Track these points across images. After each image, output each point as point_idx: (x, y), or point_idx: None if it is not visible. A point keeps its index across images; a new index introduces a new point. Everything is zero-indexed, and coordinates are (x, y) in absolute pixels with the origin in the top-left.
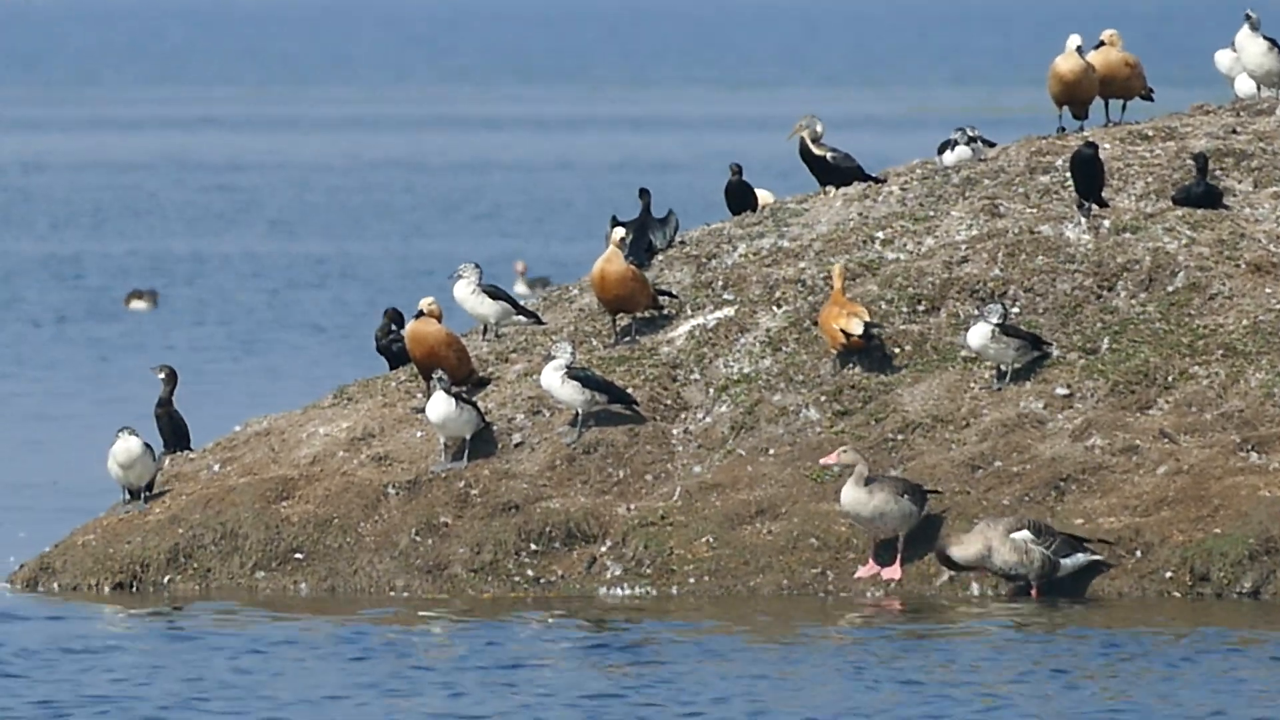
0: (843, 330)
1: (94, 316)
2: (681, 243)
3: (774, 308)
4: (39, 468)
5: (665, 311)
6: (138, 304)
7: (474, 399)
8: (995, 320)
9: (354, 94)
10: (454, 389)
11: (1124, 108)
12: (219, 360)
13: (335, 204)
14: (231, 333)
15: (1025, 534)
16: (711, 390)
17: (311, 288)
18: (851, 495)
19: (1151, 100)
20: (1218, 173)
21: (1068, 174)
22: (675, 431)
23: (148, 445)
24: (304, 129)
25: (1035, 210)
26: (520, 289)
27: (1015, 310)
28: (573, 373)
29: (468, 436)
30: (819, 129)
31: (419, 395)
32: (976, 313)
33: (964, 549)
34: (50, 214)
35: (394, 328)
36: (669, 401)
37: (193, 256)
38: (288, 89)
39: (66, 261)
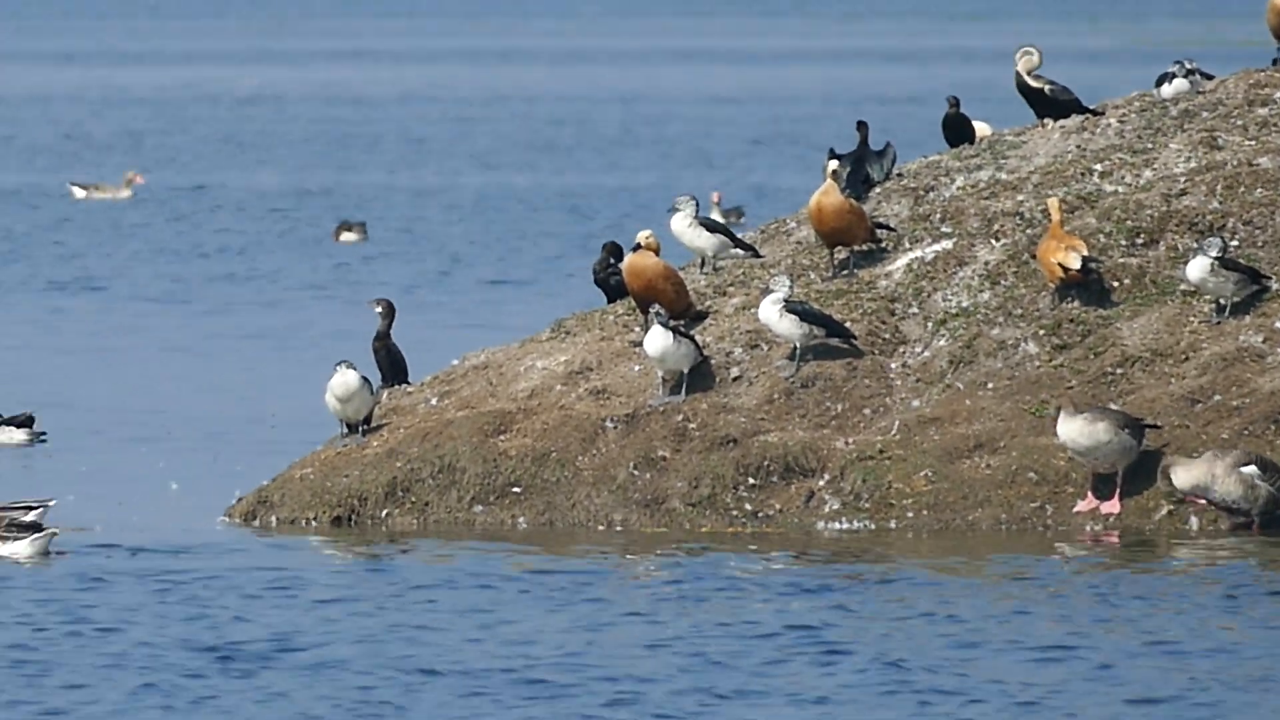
0: (1061, 264)
1: (305, 249)
2: (899, 175)
3: (992, 241)
4: (256, 402)
5: (883, 244)
6: (348, 236)
7: (691, 332)
8: (1214, 254)
9: (572, 27)
10: (671, 323)
11: None
12: (432, 293)
13: (549, 138)
14: (443, 265)
15: (1253, 469)
16: (929, 324)
17: (526, 221)
18: (1071, 426)
19: None
20: None
21: None
22: (893, 365)
23: (365, 379)
24: (518, 62)
25: (1254, 143)
26: (714, 219)
27: (1234, 244)
28: (790, 306)
29: (685, 370)
30: (1035, 60)
31: (637, 329)
32: (1195, 246)
33: (1187, 474)
34: (264, 147)
35: (612, 261)
36: (887, 335)
37: (399, 189)
38: (504, 21)
39: (278, 194)
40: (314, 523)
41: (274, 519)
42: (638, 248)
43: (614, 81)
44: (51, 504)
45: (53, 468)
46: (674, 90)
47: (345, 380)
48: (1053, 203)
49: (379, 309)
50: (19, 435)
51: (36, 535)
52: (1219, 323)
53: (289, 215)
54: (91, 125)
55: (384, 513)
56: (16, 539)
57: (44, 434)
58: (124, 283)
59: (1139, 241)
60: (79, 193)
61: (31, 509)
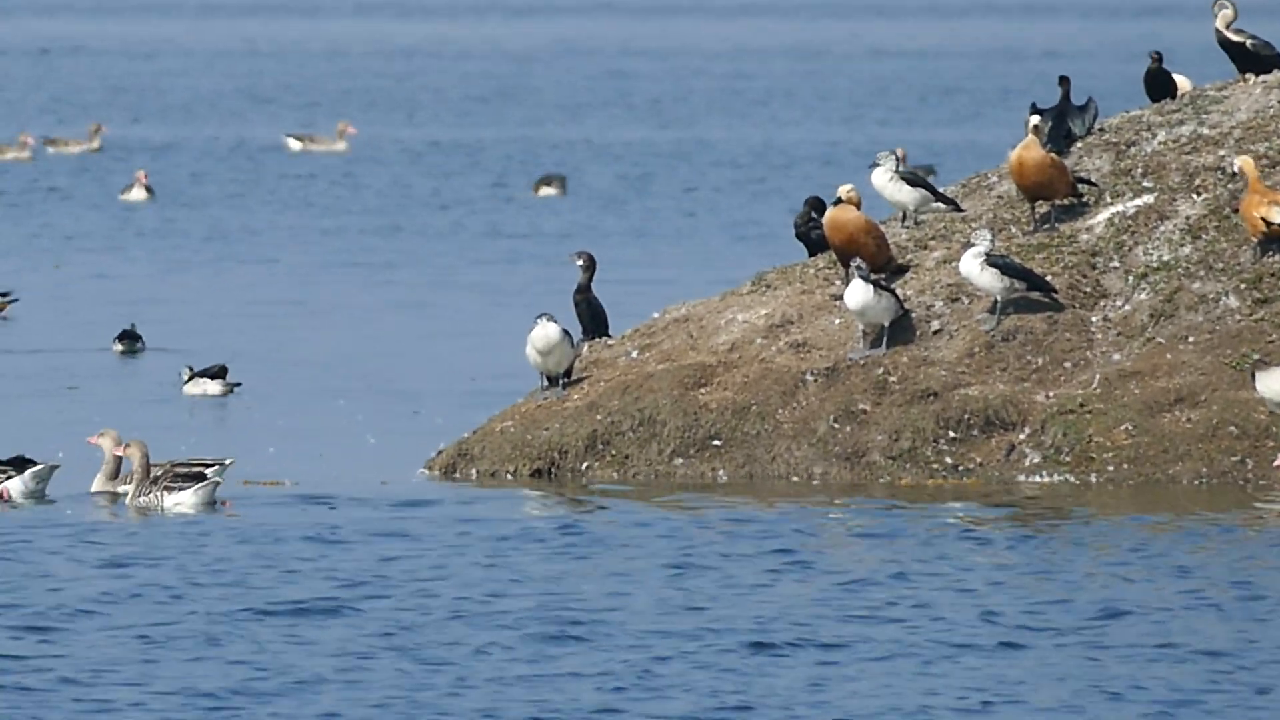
0: (1264, 218)
1: (504, 203)
2: (1100, 130)
3: (1194, 195)
4: (456, 355)
5: (1084, 199)
6: (547, 190)
7: (892, 286)
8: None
9: None
10: (873, 276)
11: None
12: (631, 247)
13: (736, 91)
14: (641, 219)
15: None
16: (1130, 278)
17: (723, 175)
18: (1270, 381)
19: None
20: None
21: None
22: (1094, 319)
23: (566, 331)
24: (696, 16)
25: None
26: (915, 173)
27: None
28: (992, 260)
29: (886, 324)
30: (1231, 14)
31: (837, 282)
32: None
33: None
34: (449, 101)
35: (814, 215)
36: (1088, 289)
37: (594, 144)
38: None
39: (471, 149)
40: (514, 475)
41: (474, 472)
42: (839, 202)
43: (788, 36)
44: (229, 463)
45: (252, 420)
46: (853, 43)
47: (546, 333)
48: (1245, 161)
49: (580, 262)
50: (214, 387)
51: (200, 485)
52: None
53: (487, 169)
54: (283, 78)
55: (584, 466)
56: (181, 489)
57: (238, 384)
58: (334, 236)
59: None
60: (295, 145)
61: (209, 466)
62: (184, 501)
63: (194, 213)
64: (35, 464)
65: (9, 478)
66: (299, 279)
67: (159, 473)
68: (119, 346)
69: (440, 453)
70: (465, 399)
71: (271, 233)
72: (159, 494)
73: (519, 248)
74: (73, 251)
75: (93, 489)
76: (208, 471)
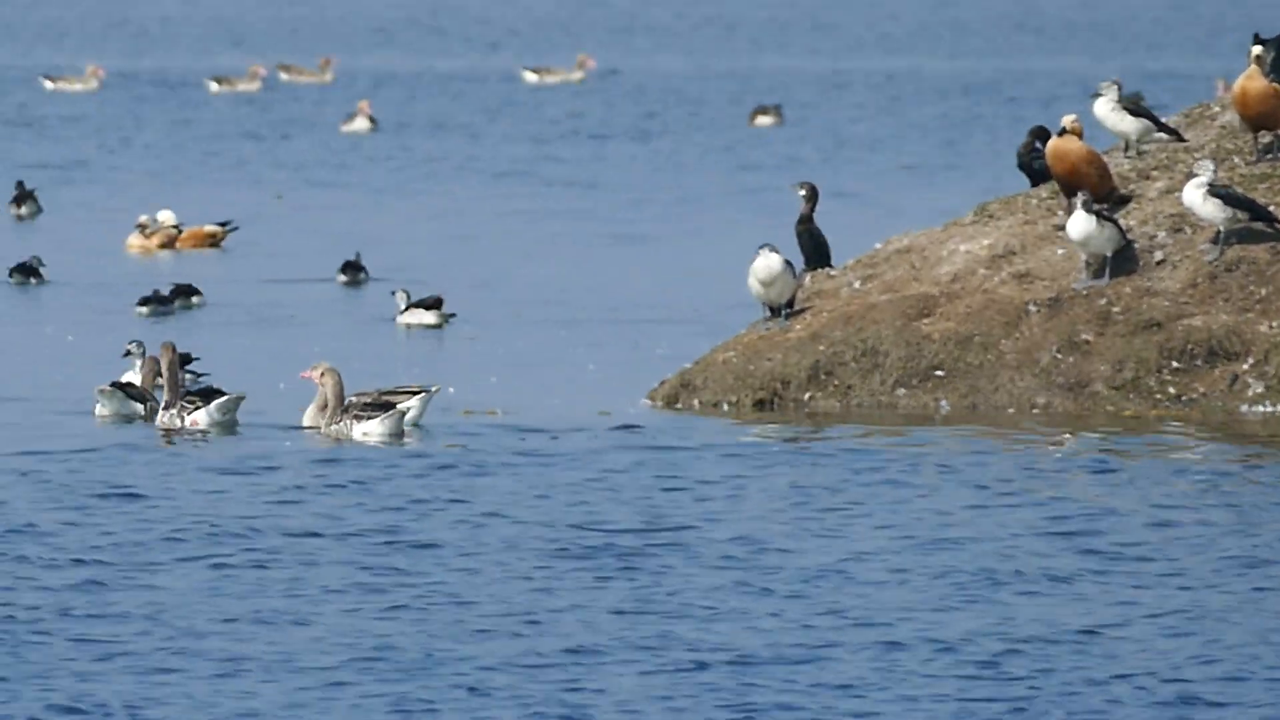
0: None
1: (719, 133)
2: None
3: None
4: (676, 285)
5: None
6: (763, 120)
7: (1115, 216)
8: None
9: None
10: (1095, 206)
11: None
12: (850, 176)
13: (950, 21)
14: (860, 149)
15: None
16: None
17: (944, 105)
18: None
19: None
20: None
21: None
22: None
23: (788, 262)
24: None
25: None
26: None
27: None
28: (1215, 190)
29: (1109, 254)
30: None
31: (1060, 213)
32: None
33: None
34: (663, 31)
35: (1037, 145)
36: None
37: (808, 73)
38: None
39: (684, 78)
40: (736, 406)
41: (696, 402)
42: (1063, 132)
43: None
44: (435, 390)
45: (471, 350)
46: None
47: (768, 263)
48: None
49: (802, 192)
50: (429, 317)
51: (387, 415)
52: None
53: (700, 100)
54: (525, 10)
55: (806, 396)
56: (369, 418)
57: (453, 315)
58: (557, 167)
59: None
60: (531, 77)
61: (414, 394)
62: (371, 431)
63: (417, 143)
64: (223, 395)
65: (197, 408)
66: (519, 210)
67: (353, 401)
68: (343, 277)
69: (663, 383)
70: (687, 330)
71: (493, 163)
72: (349, 422)
73: (737, 177)
74: (296, 182)
75: (304, 421)
76: (403, 402)
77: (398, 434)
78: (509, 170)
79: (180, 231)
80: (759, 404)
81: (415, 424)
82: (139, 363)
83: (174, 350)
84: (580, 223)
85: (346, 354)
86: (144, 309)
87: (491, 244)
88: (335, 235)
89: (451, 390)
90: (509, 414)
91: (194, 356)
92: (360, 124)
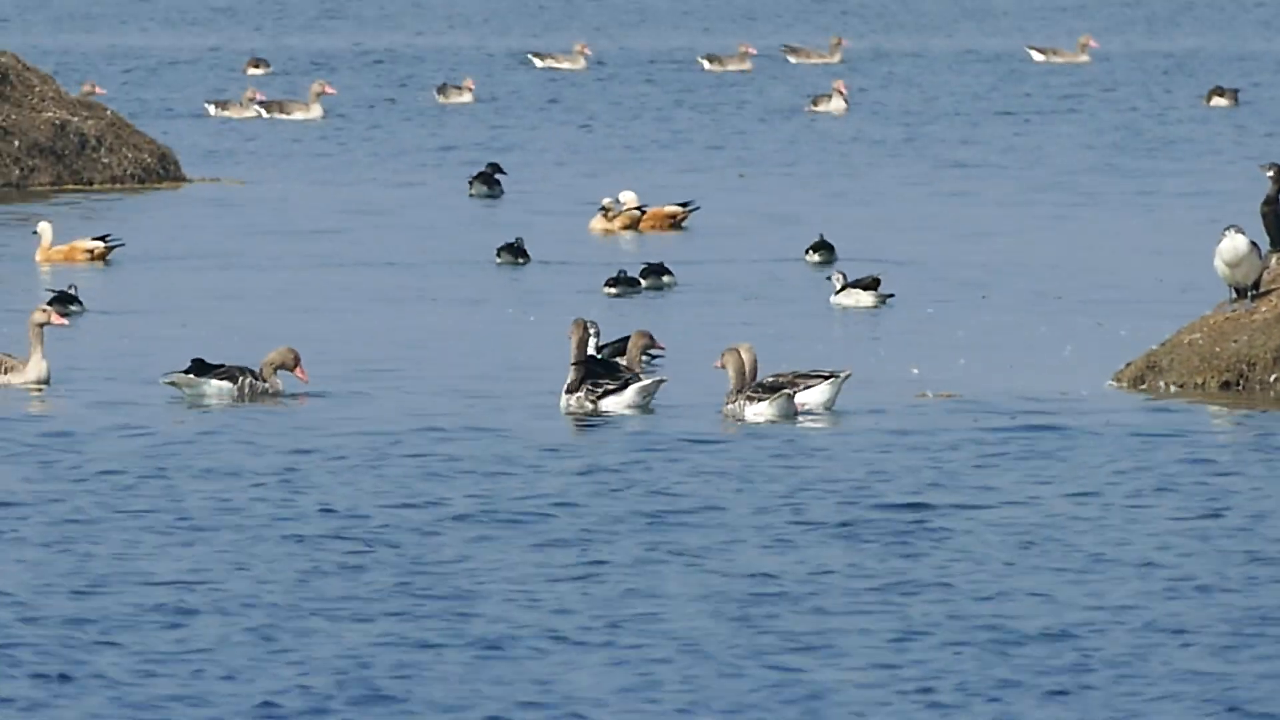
0: None
1: (1167, 111)
2: None
3: None
4: (1137, 266)
5: None
6: (1219, 101)
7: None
8: None
9: None
10: None
11: None
12: None
13: None
14: None
15: None
16: None
17: None
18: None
19: None
20: None
21: None
22: None
23: (1254, 243)
24: None
25: None
26: None
27: None
28: None
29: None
30: None
31: None
32: None
33: None
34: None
35: None
36: None
37: (1265, 56)
38: None
39: (1150, 56)
40: (1202, 387)
41: (1162, 384)
42: None
43: None
44: (846, 374)
45: (923, 331)
46: None
47: (1234, 245)
48: None
49: (1270, 174)
50: (866, 298)
51: (776, 397)
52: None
53: (1157, 80)
54: None
55: (1272, 378)
56: (760, 400)
57: (891, 295)
58: (983, 148)
59: None
60: (1038, 56)
61: (825, 378)
62: (762, 412)
63: (886, 125)
64: (641, 380)
65: (608, 393)
66: (964, 192)
67: (767, 381)
68: (815, 257)
69: (1129, 365)
70: (1152, 312)
71: (959, 146)
72: (742, 403)
73: (1189, 158)
74: (758, 162)
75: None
76: (803, 385)
77: (788, 416)
78: (974, 152)
79: (643, 213)
80: (1224, 385)
81: (828, 408)
82: (593, 341)
83: (585, 328)
84: (1019, 202)
85: (780, 333)
86: (612, 289)
87: (929, 225)
88: (791, 215)
89: (915, 371)
90: (973, 398)
91: (659, 344)
92: (837, 104)
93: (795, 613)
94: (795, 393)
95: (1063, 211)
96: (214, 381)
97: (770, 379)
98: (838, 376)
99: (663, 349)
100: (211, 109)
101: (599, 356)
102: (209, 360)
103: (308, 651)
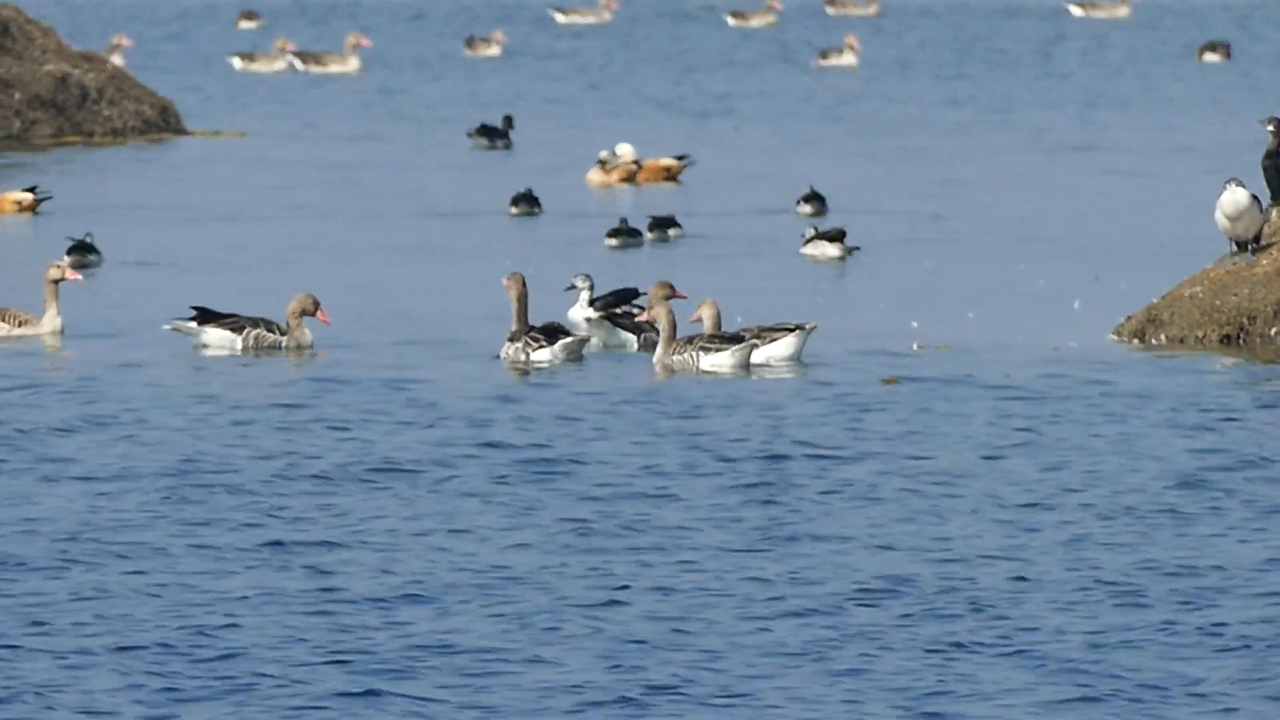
0: None
1: (1167, 67)
2: None
3: None
4: (1136, 219)
5: None
6: (1210, 56)
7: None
8: None
9: None
10: None
11: None
12: None
13: None
14: None
15: None
16: None
17: None
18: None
19: None
20: None
21: None
22: None
23: (1255, 197)
24: None
25: None
26: None
27: None
28: None
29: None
30: None
31: None
32: None
33: None
34: None
35: None
36: None
37: (1269, 7)
38: None
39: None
40: (1202, 341)
41: (1163, 337)
42: None
43: None
44: (811, 326)
45: (924, 285)
46: None
47: (1235, 198)
48: None
49: (1270, 128)
50: (831, 250)
51: (737, 347)
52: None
53: (1149, 31)
54: None
55: (1273, 331)
56: (720, 350)
57: (856, 247)
58: (1032, 106)
59: None
60: (1076, 11)
61: (789, 330)
62: (721, 363)
63: (903, 84)
64: (567, 335)
65: (541, 346)
66: (968, 152)
67: (744, 333)
68: (806, 209)
69: (1129, 318)
70: (1150, 265)
71: (958, 105)
72: (695, 354)
73: (1184, 112)
74: (753, 117)
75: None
76: (762, 336)
77: (744, 367)
78: (986, 114)
79: (639, 166)
80: (1224, 339)
81: (796, 359)
82: (585, 295)
83: (523, 282)
84: (1028, 155)
85: (752, 287)
86: (614, 240)
87: (942, 177)
88: (786, 169)
89: (915, 325)
90: (965, 349)
91: (680, 292)
92: (847, 58)
93: (664, 563)
94: (760, 345)
95: (1062, 167)
96: (213, 330)
97: (749, 332)
98: (803, 328)
99: (684, 296)
100: (237, 62)
101: (594, 307)
102: (215, 309)
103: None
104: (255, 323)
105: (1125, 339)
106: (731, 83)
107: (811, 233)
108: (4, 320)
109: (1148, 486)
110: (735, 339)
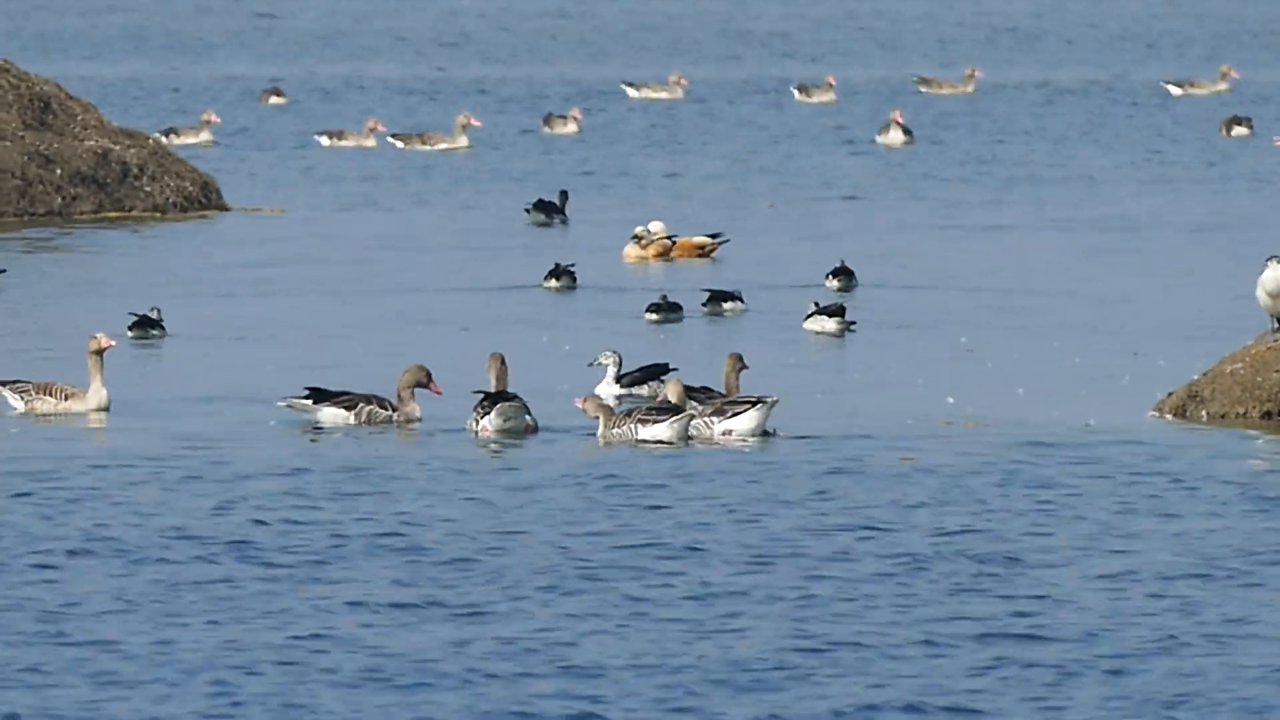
0: None
1: (1200, 143)
2: None
3: None
4: (1171, 297)
5: None
6: (1239, 130)
7: None
8: None
9: None
10: None
11: None
12: None
13: None
14: None
15: None
16: None
17: None
18: None
19: None
20: None
21: None
22: None
23: None
24: None
25: None
26: None
27: None
28: None
29: None
30: None
31: None
32: None
33: None
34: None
35: None
36: None
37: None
38: None
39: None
40: (1244, 418)
41: (1204, 414)
42: None
43: None
44: (773, 400)
45: (958, 360)
46: None
47: (1276, 275)
48: None
49: None
50: (830, 325)
51: (674, 419)
52: None
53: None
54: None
55: None
56: (656, 422)
57: (854, 323)
58: (1021, 168)
59: None
60: (1175, 90)
61: (752, 404)
62: (659, 434)
63: (946, 153)
64: (507, 400)
65: (485, 415)
66: (998, 224)
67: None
68: (834, 283)
69: (1170, 395)
70: (1185, 341)
71: (995, 184)
72: (633, 426)
73: (1228, 185)
74: (791, 190)
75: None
76: (728, 410)
77: (684, 438)
78: (1021, 188)
79: (673, 242)
80: (1266, 415)
81: (763, 432)
82: (612, 370)
83: (502, 361)
84: (1059, 228)
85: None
86: (654, 315)
87: (956, 254)
88: (824, 242)
89: (950, 401)
90: (995, 424)
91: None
92: (894, 136)
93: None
94: (700, 416)
95: (1095, 238)
96: (328, 409)
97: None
98: (765, 402)
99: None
100: (325, 140)
101: (620, 384)
102: (329, 388)
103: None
104: (368, 399)
105: (1167, 415)
106: (771, 158)
107: (813, 308)
108: (49, 394)
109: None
110: (675, 410)
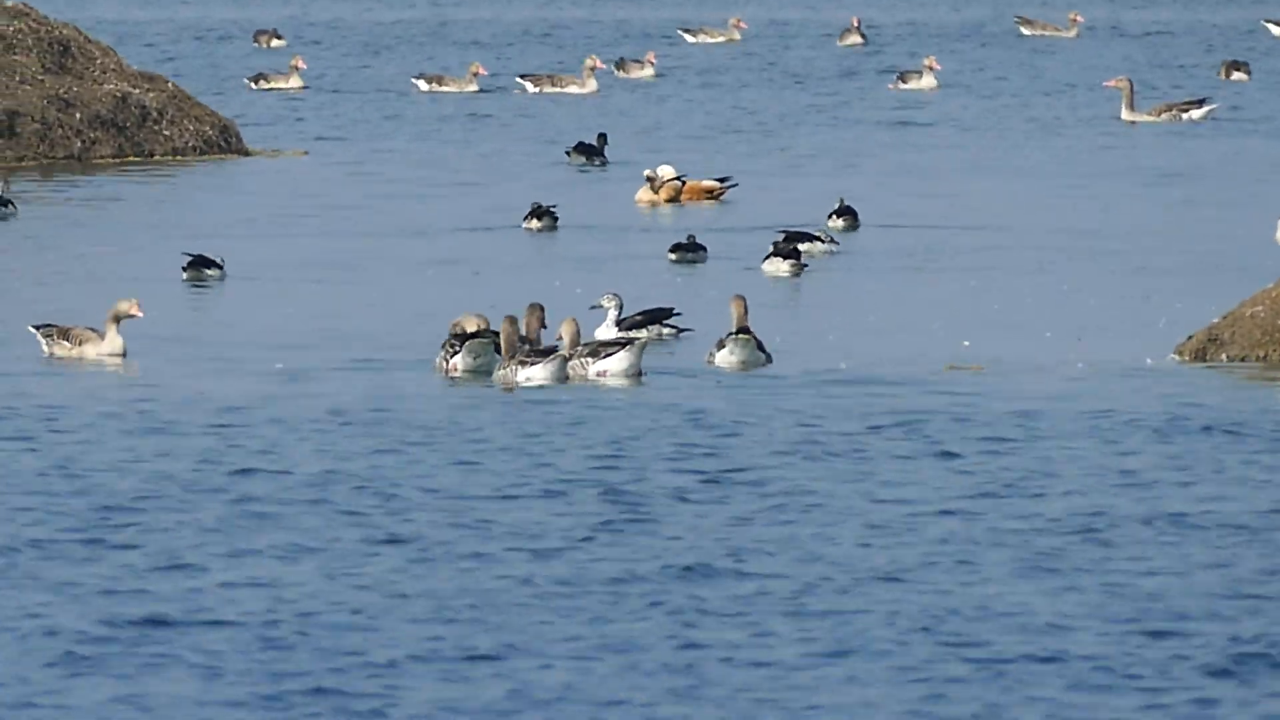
0: None
1: (1190, 84)
2: None
3: None
4: (1192, 236)
5: None
6: (1237, 75)
7: None
8: None
9: None
10: None
11: None
12: None
13: None
14: None
15: None
16: None
17: None
18: None
19: None
20: None
21: None
22: None
23: None
24: None
25: None
26: None
27: None
28: None
29: None
30: None
31: None
32: None
33: None
34: None
35: None
36: None
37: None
38: None
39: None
40: (1264, 360)
41: (1224, 356)
42: None
43: None
44: (643, 342)
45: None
46: None
47: None
48: None
49: None
50: (784, 267)
51: (549, 360)
52: None
53: (1166, 46)
54: None
55: None
56: (533, 364)
57: (806, 265)
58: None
59: None
60: (1275, 30)
61: (623, 346)
62: (534, 376)
63: (978, 101)
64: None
65: (456, 352)
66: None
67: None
68: (838, 223)
69: (1190, 338)
70: (1215, 287)
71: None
72: (514, 368)
73: (1242, 129)
74: (806, 130)
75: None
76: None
77: (561, 379)
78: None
79: (683, 184)
80: None
81: (630, 375)
82: (612, 314)
83: (528, 319)
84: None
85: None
86: (674, 255)
87: (990, 194)
88: (829, 184)
89: (966, 344)
90: (999, 371)
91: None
92: (927, 81)
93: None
94: (573, 358)
95: (1125, 180)
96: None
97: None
98: (634, 343)
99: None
100: (422, 84)
101: (620, 327)
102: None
103: None
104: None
105: (1186, 358)
106: (805, 100)
107: (771, 250)
108: (67, 339)
109: None
110: (550, 352)
